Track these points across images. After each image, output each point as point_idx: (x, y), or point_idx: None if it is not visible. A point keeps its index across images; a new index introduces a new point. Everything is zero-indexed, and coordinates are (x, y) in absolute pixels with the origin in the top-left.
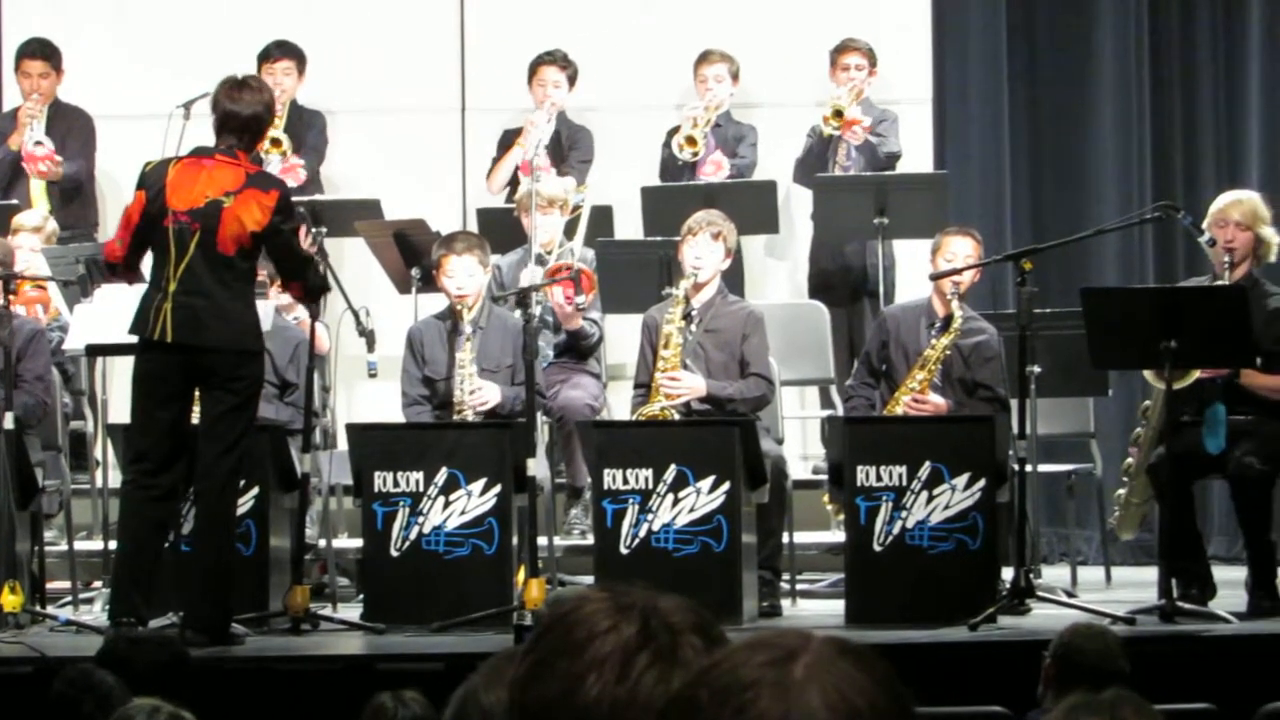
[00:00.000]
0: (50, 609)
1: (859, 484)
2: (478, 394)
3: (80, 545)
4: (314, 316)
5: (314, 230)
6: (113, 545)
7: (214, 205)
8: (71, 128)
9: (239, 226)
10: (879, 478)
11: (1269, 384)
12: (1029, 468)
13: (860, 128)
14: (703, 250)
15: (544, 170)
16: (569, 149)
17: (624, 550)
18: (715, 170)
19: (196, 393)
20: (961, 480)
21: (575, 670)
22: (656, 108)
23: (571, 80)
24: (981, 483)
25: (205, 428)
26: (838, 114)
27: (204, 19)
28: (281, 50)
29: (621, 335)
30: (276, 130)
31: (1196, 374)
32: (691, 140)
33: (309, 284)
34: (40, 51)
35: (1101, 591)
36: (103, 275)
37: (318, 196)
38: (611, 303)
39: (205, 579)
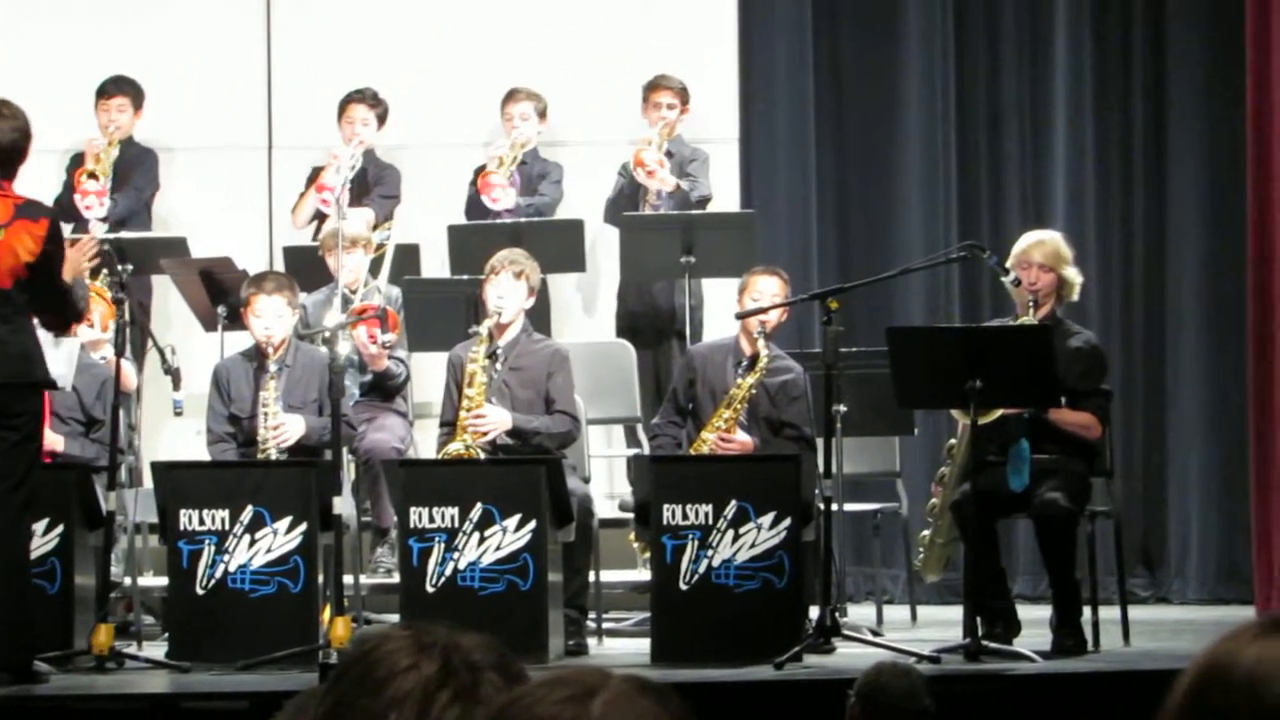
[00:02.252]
0: None
1: (665, 522)
2: (281, 429)
3: None
4: (120, 351)
5: (120, 268)
6: None
7: None
8: None
9: (14, 258)
10: (685, 516)
11: (1074, 420)
12: (835, 507)
13: (662, 187)
14: (505, 289)
15: (348, 206)
16: (374, 185)
17: (430, 589)
18: (501, 193)
19: None
20: (767, 519)
21: (376, 709)
22: (464, 146)
23: (381, 119)
24: (787, 521)
25: None
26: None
27: (27, 55)
28: (117, 86)
29: (428, 374)
30: (99, 164)
31: (1000, 411)
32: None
33: (65, 315)
34: None
35: (907, 630)
36: None
37: (123, 234)
38: (418, 341)
39: (4, 616)
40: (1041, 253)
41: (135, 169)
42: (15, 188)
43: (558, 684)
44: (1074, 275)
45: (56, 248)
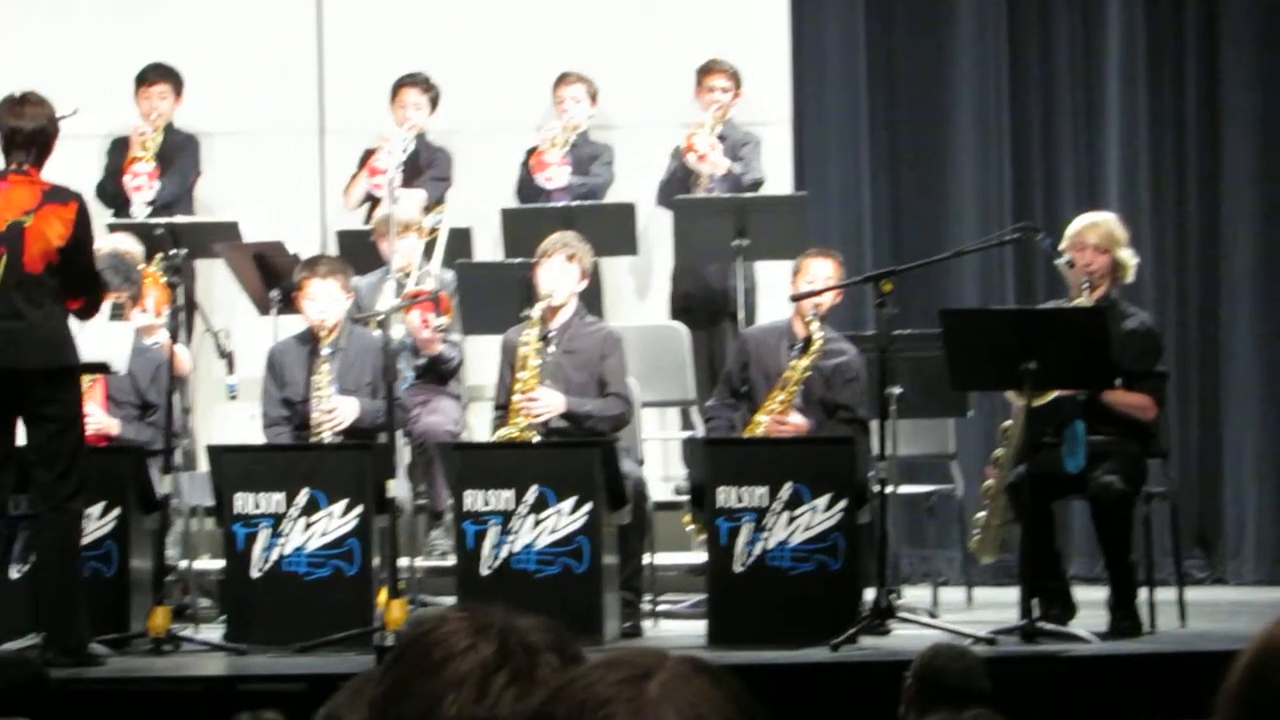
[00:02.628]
0: None
1: (720, 505)
2: (334, 412)
3: None
4: (174, 336)
5: (174, 252)
6: None
7: (15, 227)
8: None
9: (45, 243)
10: (740, 499)
11: (1130, 401)
12: (890, 489)
13: (714, 171)
14: (557, 272)
15: (400, 190)
16: (425, 167)
17: (485, 571)
18: (555, 171)
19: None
20: (822, 501)
21: (433, 690)
22: (515, 129)
23: (433, 103)
24: (842, 504)
25: (36, 456)
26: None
27: (69, 42)
28: (157, 73)
29: (482, 357)
30: (145, 151)
31: (1055, 392)
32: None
33: (92, 300)
34: None
35: (963, 612)
36: None
37: (177, 219)
38: (472, 324)
39: (62, 600)
40: (1096, 234)
41: (178, 155)
42: (44, 175)
43: (614, 665)
44: (1129, 257)
45: (85, 231)
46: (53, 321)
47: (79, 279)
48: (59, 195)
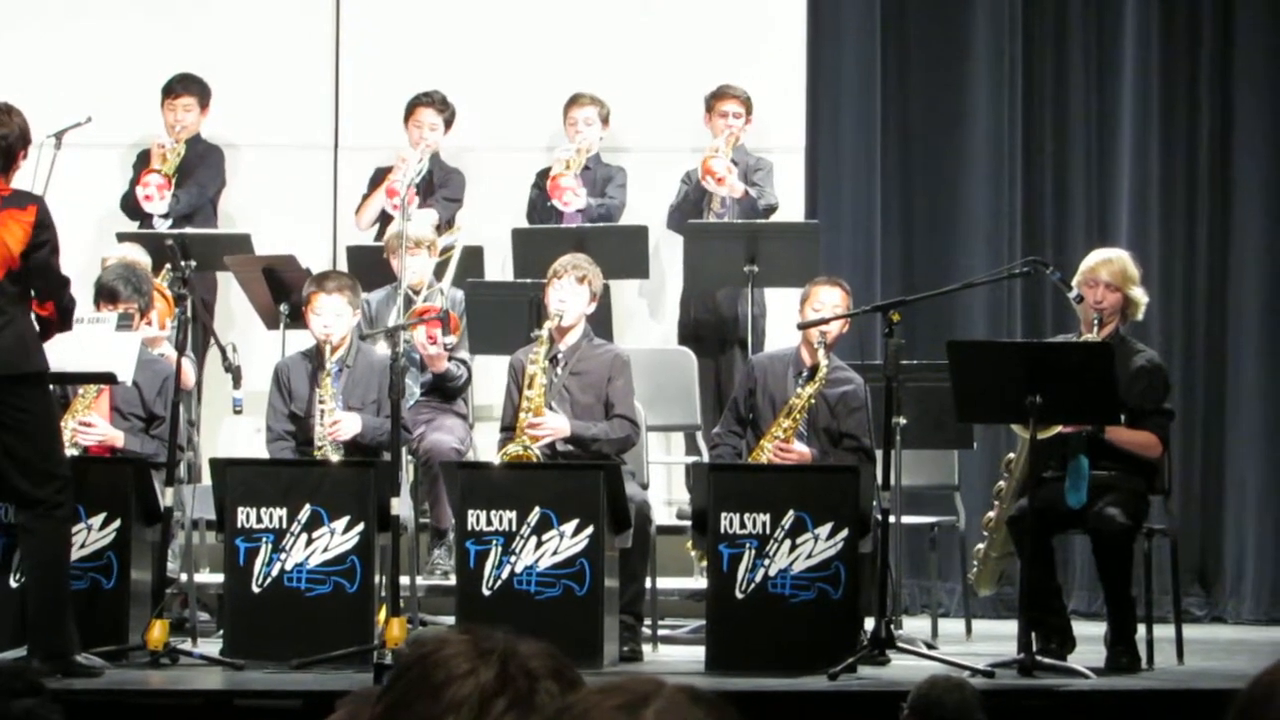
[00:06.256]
0: None
1: (722, 531)
2: (337, 426)
3: None
4: (180, 348)
5: (183, 264)
6: None
7: None
8: None
9: (4, 249)
10: (742, 525)
11: (1132, 439)
12: (892, 519)
13: (731, 194)
14: (567, 294)
15: (412, 207)
16: (438, 187)
17: (486, 592)
18: (572, 196)
19: None
20: (825, 530)
21: (432, 713)
22: (527, 149)
23: (448, 123)
24: (844, 533)
25: (9, 464)
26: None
27: (91, 51)
28: (183, 85)
29: (490, 376)
30: (165, 164)
31: (1059, 427)
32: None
33: (62, 305)
34: None
35: (962, 644)
36: None
37: (187, 230)
38: (480, 344)
39: (45, 608)
40: (1109, 271)
41: (199, 165)
42: (12, 184)
43: (611, 692)
44: (1140, 295)
45: (47, 233)
46: (12, 328)
47: (44, 282)
48: (17, 200)
